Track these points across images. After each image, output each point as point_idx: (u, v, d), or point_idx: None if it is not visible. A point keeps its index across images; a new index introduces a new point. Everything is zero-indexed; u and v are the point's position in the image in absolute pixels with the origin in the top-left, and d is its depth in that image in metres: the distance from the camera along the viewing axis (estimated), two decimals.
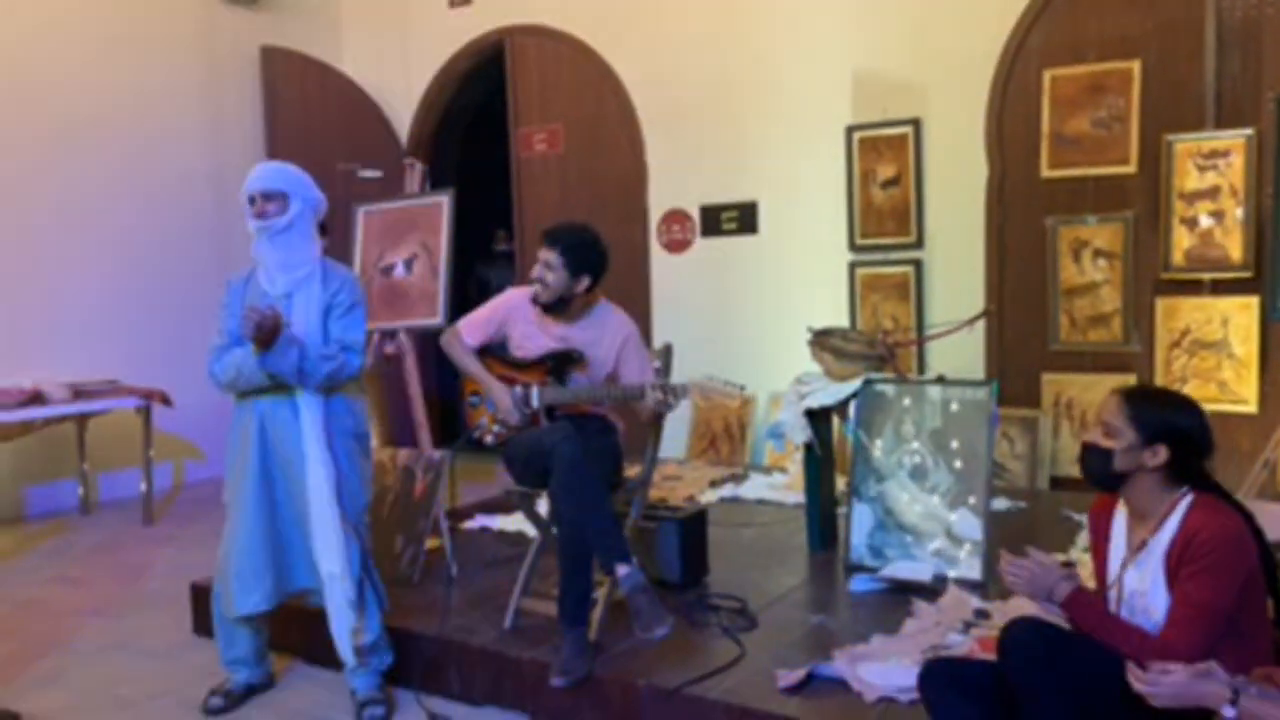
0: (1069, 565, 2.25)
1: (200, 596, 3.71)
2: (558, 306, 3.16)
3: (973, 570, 3.43)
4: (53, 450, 5.73)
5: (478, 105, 7.71)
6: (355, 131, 7.04)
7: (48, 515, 5.72)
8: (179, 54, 6.47)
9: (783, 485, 5.11)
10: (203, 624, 3.69)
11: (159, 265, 6.31)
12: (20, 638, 3.70)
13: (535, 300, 3.17)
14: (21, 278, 5.67)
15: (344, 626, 2.86)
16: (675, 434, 6.00)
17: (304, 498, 2.82)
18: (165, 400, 5.52)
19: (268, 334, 2.69)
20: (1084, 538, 3.59)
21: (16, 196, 5.66)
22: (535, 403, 3.12)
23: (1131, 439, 2.03)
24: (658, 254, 6.37)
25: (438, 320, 4.09)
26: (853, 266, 5.64)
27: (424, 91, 7.23)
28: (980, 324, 4.65)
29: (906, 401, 3.68)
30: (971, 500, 3.51)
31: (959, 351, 5.03)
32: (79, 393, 5.31)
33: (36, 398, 5.09)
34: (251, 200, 2.86)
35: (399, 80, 7.30)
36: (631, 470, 3.36)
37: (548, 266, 3.12)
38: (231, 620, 2.95)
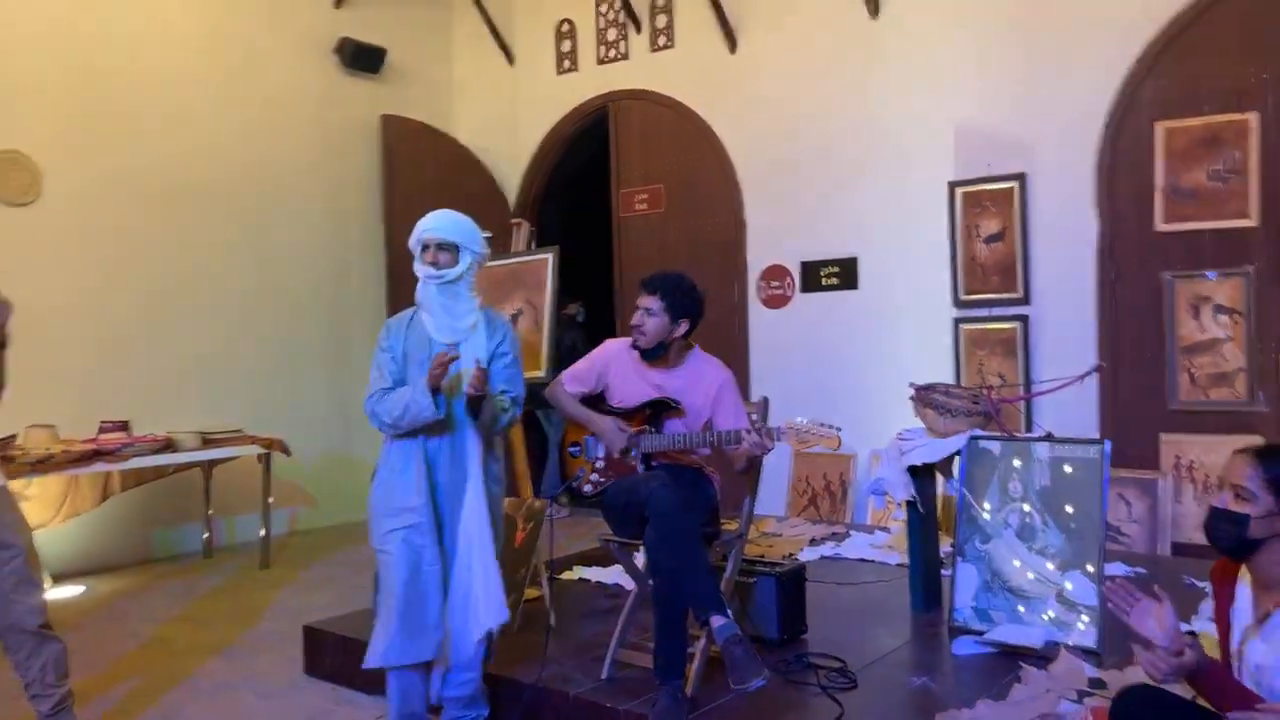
0: (1192, 635, 2.15)
1: (312, 639, 3.85)
2: (656, 352, 3.21)
3: (1087, 638, 3.29)
4: (179, 495, 6.04)
5: (580, 166, 7.94)
6: (466, 193, 7.32)
7: (173, 557, 6.01)
8: (305, 122, 6.89)
9: (885, 544, 5.01)
10: (314, 665, 3.82)
11: (278, 321, 6.66)
12: (145, 674, 3.89)
13: (635, 346, 3.23)
14: (157, 333, 6.06)
15: (462, 672, 2.85)
16: (774, 491, 5.97)
17: (463, 539, 2.81)
18: (284, 449, 5.78)
19: (480, 384, 2.71)
20: (1208, 606, 3.41)
21: (152, 258, 6.07)
22: (634, 451, 3.16)
23: (1270, 504, 1.92)
24: (756, 309, 6.40)
25: (541, 373, 4.19)
26: (957, 322, 5.56)
27: (531, 155, 7.50)
28: (1091, 381, 4.52)
29: (1014, 459, 3.59)
30: (1086, 564, 3.37)
31: (1069, 409, 4.88)
32: (207, 440, 5.61)
33: (169, 445, 5.40)
34: (425, 247, 2.87)
35: (507, 144, 7.60)
36: (728, 525, 3.37)
37: (647, 312, 3.18)
38: (403, 671, 2.84)
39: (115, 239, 5.91)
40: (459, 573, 2.81)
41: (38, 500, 5.08)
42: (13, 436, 4.99)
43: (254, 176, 6.60)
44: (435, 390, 2.72)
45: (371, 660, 2.80)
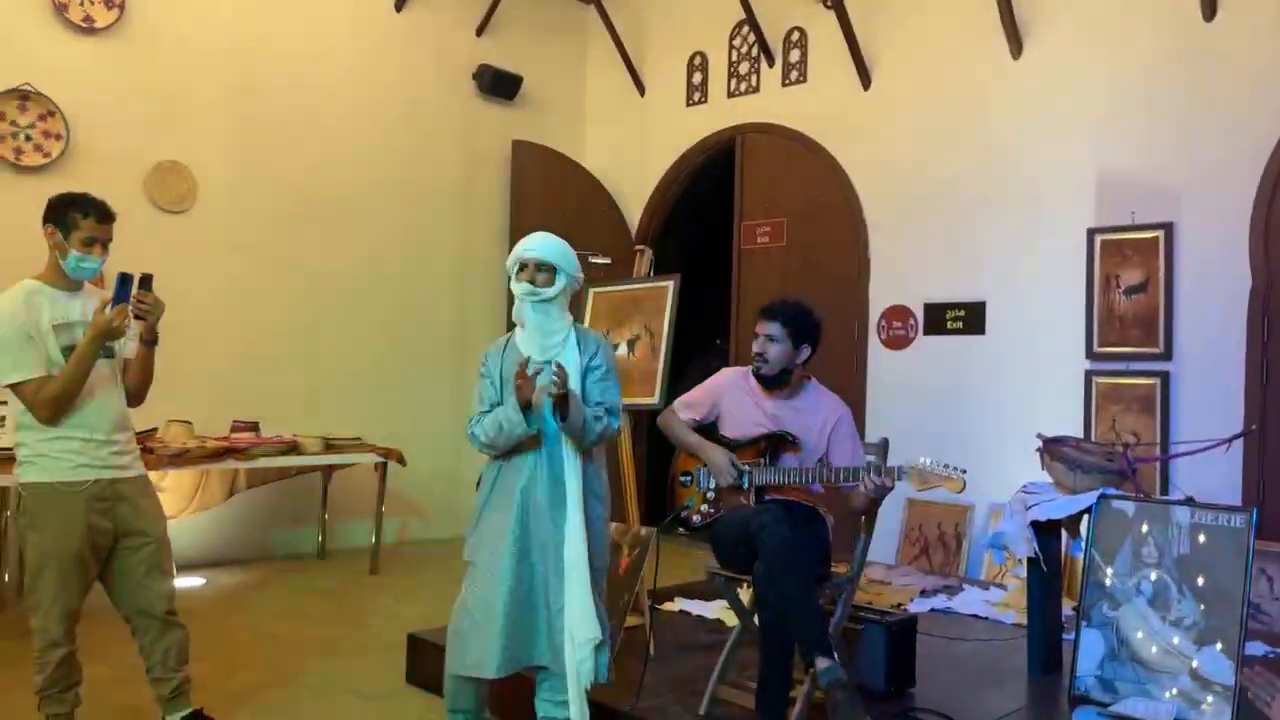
0: None
1: (416, 647, 3.91)
2: (778, 380, 3.18)
3: (1221, 717, 3.06)
4: (299, 497, 6.27)
5: (704, 197, 7.96)
6: (590, 219, 7.44)
7: (287, 557, 6.23)
8: (443, 144, 7.13)
9: (1001, 601, 4.79)
10: (416, 674, 3.88)
11: (405, 336, 6.88)
12: (257, 668, 4.02)
13: (757, 374, 3.19)
14: (291, 341, 6.34)
15: (576, 698, 2.80)
16: (886, 538, 5.79)
17: (557, 564, 2.81)
18: (401, 460, 5.94)
19: (561, 393, 2.73)
20: None
21: (293, 269, 6.36)
22: (747, 483, 3.11)
23: None
24: (876, 349, 6.26)
25: (655, 400, 4.19)
26: (1089, 375, 5.30)
27: (656, 184, 7.56)
28: (1238, 446, 4.23)
29: (1148, 523, 3.38)
30: (1221, 641, 3.14)
31: (1210, 475, 4.59)
32: (329, 446, 5.81)
33: (294, 447, 5.61)
34: (523, 266, 2.94)
35: (634, 173, 7.69)
36: (838, 568, 3.27)
37: (769, 339, 3.15)
38: (458, 677, 2.92)
39: (260, 250, 6.22)
40: (558, 588, 2.80)
41: (171, 492, 5.35)
42: (153, 430, 5.28)
43: (394, 194, 6.85)
44: (526, 405, 2.76)
45: (458, 666, 2.84)
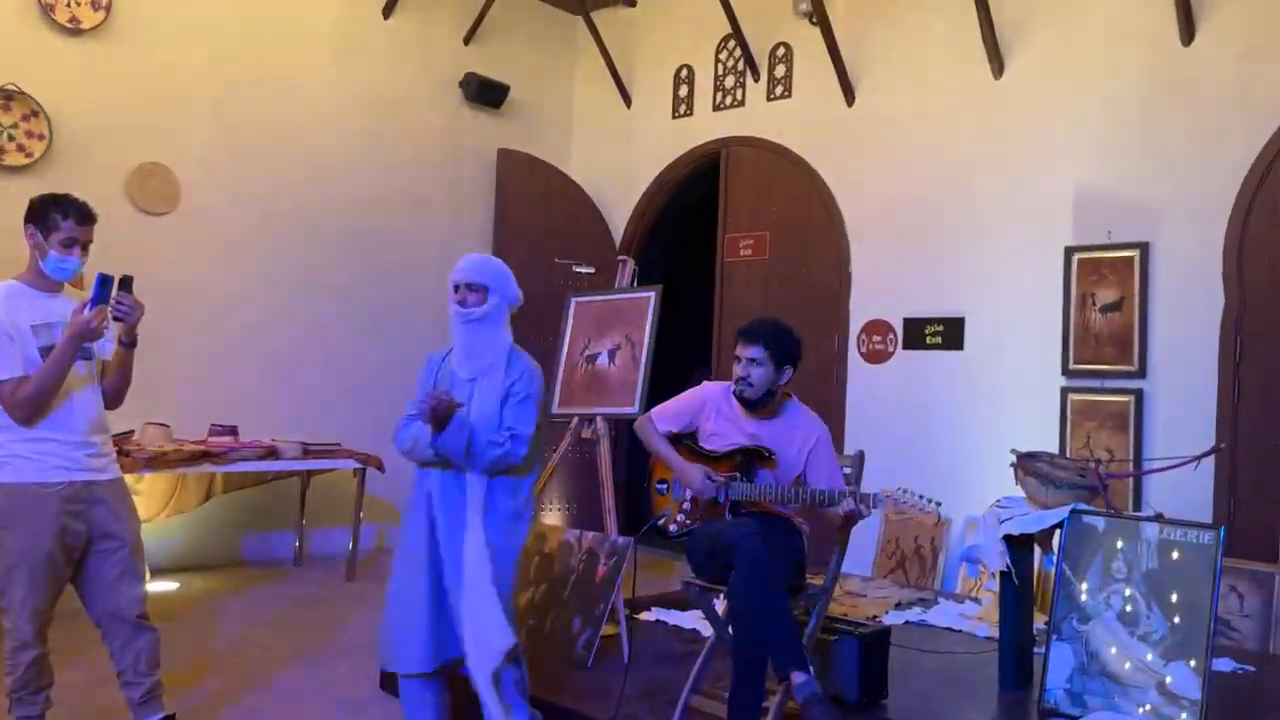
0: None
1: None
2: (762, 402, 3.20)
3: None
4: (276, 503, 6.24)
5: (688, 209, 8.00)
6: (574, 229, 7.47)
7: (263, 562, 6.20)
8: (428, 151, 7.14)
9: (975, 615, 4.82)
10: (389, 682, 3.86)
11: (385, 342, 6.85)
12: (229, 675, 4.00)
13: (740, 396, 3.21)
14: (270, 345, 6.32)
15: (493, 706, 2.85)
16: (862, 550, 5.82)
17: (463, 570, 2.87)
18: (379, 466, 5.92)
19: (441, 417, 2.82)
20: None
21: (274, 274, 6.35)
22: (723, 497, 3.13)
23: None
24: (855, 363, 6.30)
25: (633, 409, 4.21)
26: (1065, 391, 5.36)
27: (641, 195, 7.59)
28: (1208, 463, 4.29)
29: (1119, 538, 3.42)
30: (1191, 657, 3.18)
31: (1181, 491, 4.64)
32: (307, 451, 5.79)
33: (272, 452, 5.59)
34: (456, 287, 3.02)
35: (619, 183, 7.72)
36: (813, 579, 3.29)
37: (752, 362, 3.17)
38: (406, 678, 2.96)
39: (242, 253, 6.20)
40: (464, 605, 2.86)
41: (146, 495, 5.32)
42: (130, 432, 5.25)
43: (378, 200, 6.85)
44: (438, 427, 2.82)
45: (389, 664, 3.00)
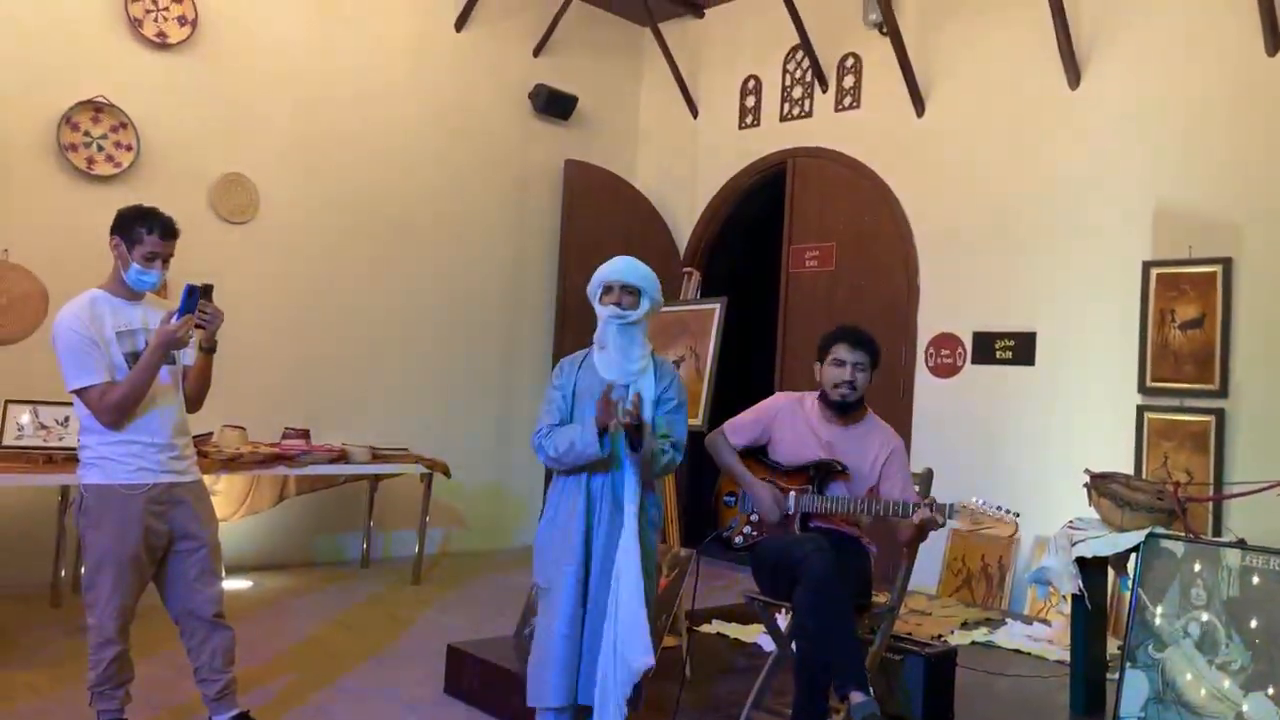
0: None
1: (455, 658, 3.96)
2: (854, 406, 3.21)
3: None
4: (345, 505, 6.37)
5: (753, 219, 7.98)
6: (639, 240, 7.49)
7: (332, 563, 6.33)
8: (498, 162, 7.24)
9: (1044, 637, 4.72)
10: (454, 684, 3.92)
11: (455, 351, 6.97)
12: (299, 672, 4.10)
13: (842, 401, 3.21)
14: (344, 351, 6.46)
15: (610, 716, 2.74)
16: (928, 568, 5.73)
17: (615, 581, 2.79)
18: (446, 471, 6.02)
19: (632, 426, 2.74)
20: None
21: (350, 282, 6.49)
22: (792, 509, 3.12)
23: None
24: (923, 377, 6.21)
25: (698, 422, 4.21)
26: (1141, 410, 5.22)
27: (706, 205, 7.60)
28: None
29: (1198, 563, 3.32)
30: (1270, 686, 3.07)
31: (1264, 517, 4.47)
32: (376, 455, 5.90)
33: (343, 456, 5.72)
34: (609, 289, 2.96)
35: (684, 194, 7.73)
36: (879, 597, 3.26)
37: (858, 367, 3.18)
38: (549, 711, 2.84)
39: (319, 262, 6.36)
40: (610, 615, 2.78)
41: (223, 496, 5.47)
42: (209, 434, 5.41)
43: (448, 210, 6.96)
44: (603, 430, 2.76)
45: (535, 699, 2.81)
